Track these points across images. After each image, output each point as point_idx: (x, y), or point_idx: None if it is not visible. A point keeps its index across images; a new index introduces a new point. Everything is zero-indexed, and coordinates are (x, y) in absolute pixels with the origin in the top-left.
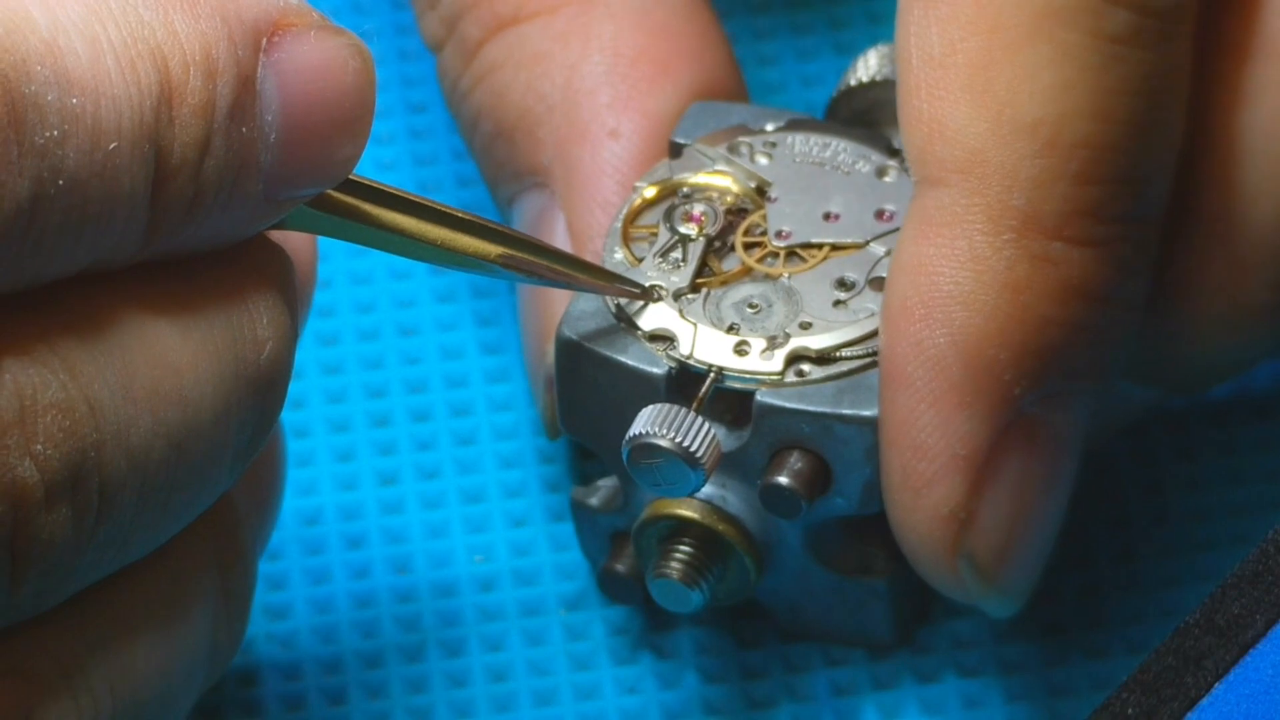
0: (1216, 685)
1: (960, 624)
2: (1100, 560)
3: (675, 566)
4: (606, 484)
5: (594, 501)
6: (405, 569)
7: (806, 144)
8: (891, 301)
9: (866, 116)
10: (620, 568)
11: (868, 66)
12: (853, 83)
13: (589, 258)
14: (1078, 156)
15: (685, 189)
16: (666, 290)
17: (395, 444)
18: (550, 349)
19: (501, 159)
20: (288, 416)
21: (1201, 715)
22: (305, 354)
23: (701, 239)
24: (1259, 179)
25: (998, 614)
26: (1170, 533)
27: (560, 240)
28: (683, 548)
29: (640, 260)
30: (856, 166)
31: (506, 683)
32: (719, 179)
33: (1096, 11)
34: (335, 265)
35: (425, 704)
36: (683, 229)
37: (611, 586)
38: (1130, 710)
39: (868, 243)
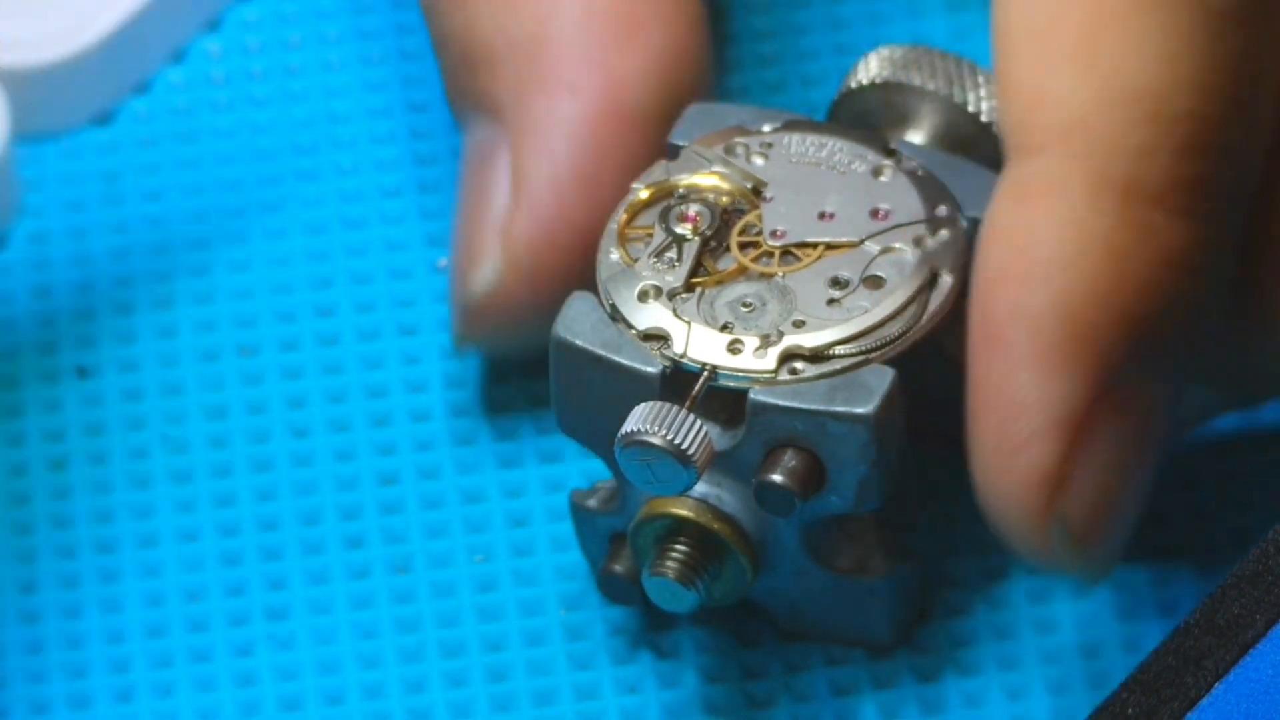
0: (1216, 685)
1: (960, 623)
2: None
3: (671, 566)
4: (605, 484)
5: (592, 503)
6: (405, 569)
7: (803, 144)
8: (987, 269)
9: (868, 118)
10: (618, 568)
11: (869, 69)
12: (854, 85)
13: (522, 198)
14: (1181, 129)
15: (681, 190)
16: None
17: (395, 444)
18: (474, 276)
19: (463, 86)
20: (288, 416)
21: (1201, 715)
22: (305, 354)
23: (696, 239)
24: None
25: (1084, 582)
26: (1169, 532)
27: (502, 176)
28: (678, 547)
29: (635, 260)
30: (852, 166)
31: (506, 683)
32: (715, 179)
33: None
34: (335, 265)
35: (425, 704)
36: (678, 229)
37: (610, 587)
38: (1130, 710)
39: (862, 241)
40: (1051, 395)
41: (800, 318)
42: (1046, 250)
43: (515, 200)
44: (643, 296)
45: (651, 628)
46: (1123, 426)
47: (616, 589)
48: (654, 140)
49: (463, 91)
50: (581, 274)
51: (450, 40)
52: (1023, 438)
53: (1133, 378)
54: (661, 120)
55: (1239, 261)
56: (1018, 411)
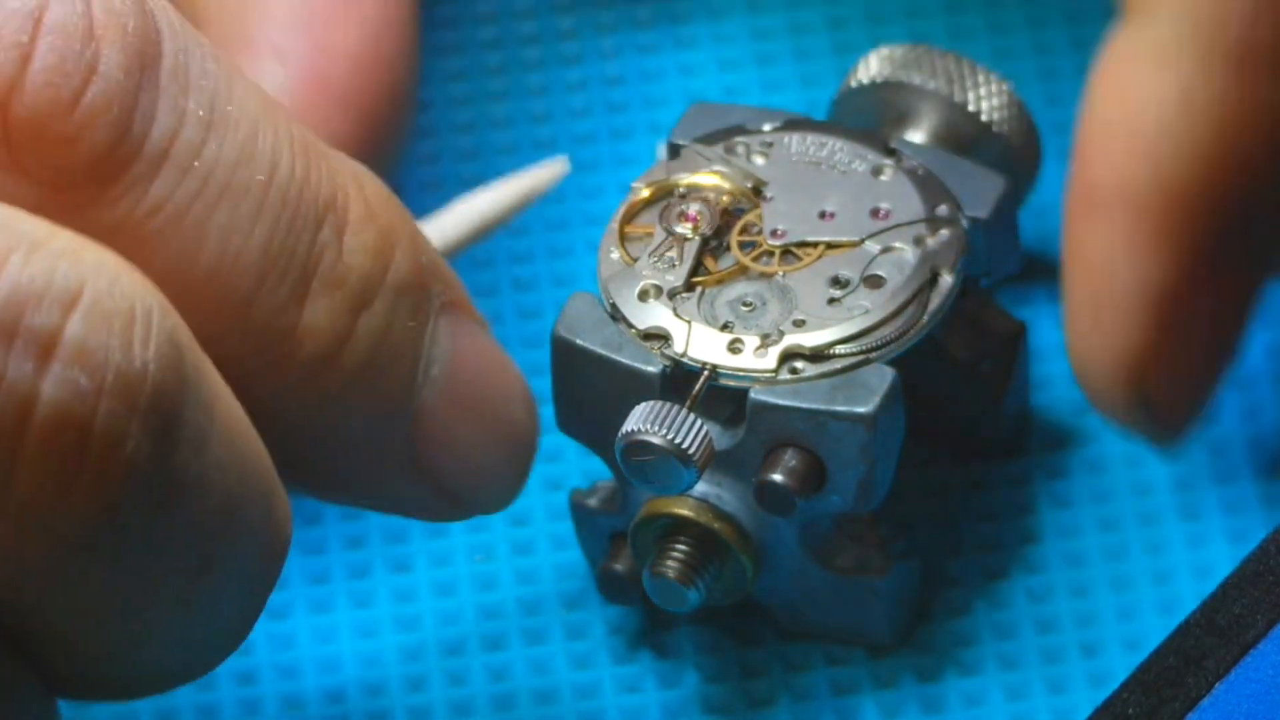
0: (1217, 685)
1: (960, 623)
2: (1099, 560)
3: (671, 565)
4: (605, 484)
5: (592, 502)
6: (405, 568)
7: (803, 143)
8: (1093, 129)
9: (868, 117)
10: (618, 568)
11: (869, 68)
12: (854, 84)
13: None
14: None
15: (681, 189)
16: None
17: None
18: None
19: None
20: None
21: (1202, 715)
22: None
23: (697, 238)
24: None
25: (1159, 445)
26: (1169, 532)
27: None
28: (679, 546)
29: (635, 260)
30: (853, 166)
31: (506, 682)
32: (715, 179)
33: None
34: None
35: (425, 702)
36: (678, 228)
37: (610, 587)
38: (1131, 710)
39: (862, 241)
40: (1147, 273)
41: (800, 317)
42: (1154, 121)
43: None
44: (643, 296)
45: (651, 628)
46: (1214, 307)
47: (616, 588)
48: (355, 118)
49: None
50: None
51: None
52: (1116, 312)
53: (1230, 258)
54: (363, 97)
55: None
56: (1112, 285)
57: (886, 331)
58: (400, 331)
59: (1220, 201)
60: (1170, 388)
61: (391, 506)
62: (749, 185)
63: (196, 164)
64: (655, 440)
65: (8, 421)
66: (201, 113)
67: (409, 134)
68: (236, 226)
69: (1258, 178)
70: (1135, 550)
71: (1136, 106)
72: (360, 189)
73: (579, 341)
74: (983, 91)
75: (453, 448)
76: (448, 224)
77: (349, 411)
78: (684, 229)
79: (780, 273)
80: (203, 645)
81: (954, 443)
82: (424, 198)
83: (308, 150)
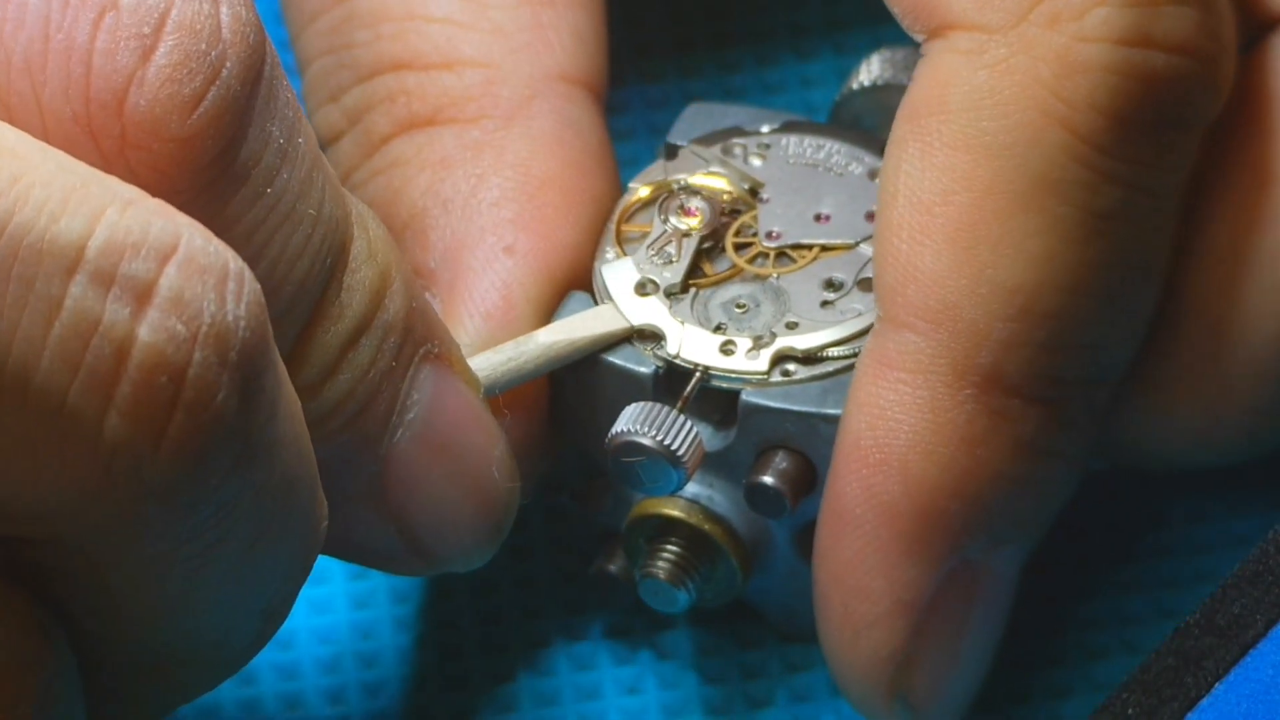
0: (1217, 685)
1: None
2: (1098, 561)
3: (662, 566)
4: (599, 484)
5: (586, 502)
6: None
7: (800, 145)
8: (845, 440)
9: (869, 119)
10: (611, 567)
11: (870, 70)
12: (855, 87)
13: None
14: (1048, 325)
15: (679, 189)
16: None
17: None
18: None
19: None
20: None
21: (1202, 715)
22: None
23: (695, 236)
24: (1261, 302)
25: None
26: (1169, 533)
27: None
28: (670, 547)
29: (632, 255)
30: (849, 168)
31: (507, 683)
32: (713, 180)
33: (1092, 188)
34: None
35: (425, 703)
36: (678, 222)
37: (603, 587)
38: (1130, 710)
39: (857, 244)
40: (899, 579)
41: (793, 319)
42: (904, 434)
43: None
44: (639, 290)
45: (651, 628)
46: (969, 603)
47: (609, 588)
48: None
49: None
50: None
51: (372, 210)
52: (868, 619)
53: (981, 555)
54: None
55: (1137, 354)
56: (864, 593)
57: None
58: (382, 371)
59: (968, 510)
60: (930, 685)
61: (358, 550)
62: (745, 187)
63: (269, 190)
64: (645, 441)
65: (104, 365)
66: (281, 141)
67: None
68: (285, 257)
69: (1006, 486)
70: (1138, 552)
71: (889, 420)
72: (365, 228)
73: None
74: None
75: (421, 495)
76: (510, 355)
77: (320, 441)
78: (684, 223)
79: (774, 275)
80: (239, 626)
81: None
82: None
83: (337, 186)
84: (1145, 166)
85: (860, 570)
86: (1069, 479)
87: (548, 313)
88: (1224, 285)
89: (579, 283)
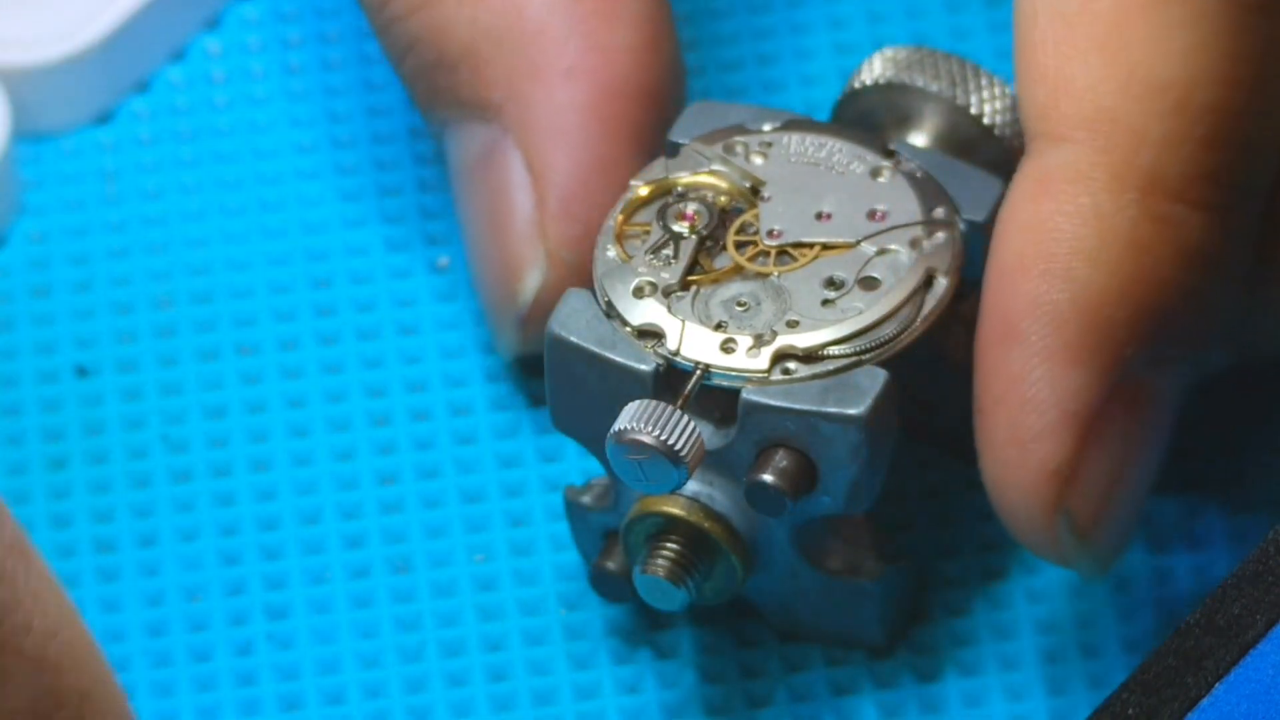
0: (1217, 685)
1: (960, 623)
2: None
3: (661, 564)
4: (599, 481)
5: (586, 499)
6: (405, 569)
7: (802, 144)
8: (1005, 258)
9: (871, 119)
10: (611, 565)
11: (872, 69)
12: (857, 85)
13: (549, 195)
14: (1206, 120)
15: (680, 188)
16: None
17: (395, 443)
18: (522, 286)
19: (441, 87)
20: (288, 416)
21: (1202, 715)
22: (305, 354)
23: (694, 237)
24: None
25: (1089, 576)
26: (1169, 532)
27: (517, 176)
28: (669, 545)
29: (631, 257)
30: (851, 167)
31: (506, 682)
32: (714, 178)
33: None
34: (335, 265)
35: (425, 703)
36: (675, 227)
37: (603, 584)
38: (1130, 710)
39: (858, 242)
40: (1066, 390)
41: (794, 318)
42: (1068, 243)
43: (542, 198)
44: (638, 292)
45: (651, 627)
46: (1134, 420)
47: (609, 585)
48: (656, 113)
49: (440, 94)
50: None
51: (419, 45)
52: (1035, 432)
53: (1145, 371)
54: (657, 93)
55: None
56: (1031, 405)
57: (880, 333)
58: None
59: (1134, 318)
60: (1094, 506)
61: None
62: (747, 185)
63: None
64: (645, 439)
65: None
66: None
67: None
68: None
69: (1171, 296)
70: (1137, 551)
71: (1052, 231)
72: None
73: (573, 339)
74: (985, 95)
75: None
76: None
77: None
78: (681, 227)
79: (775, 273)
80: None
81: (952, 445)
82: (423, 197)
83: None
84: None
85: (1027, 383)
86: (1228, 300)
87: (628, 128)
88: None
89: (647, 84)
